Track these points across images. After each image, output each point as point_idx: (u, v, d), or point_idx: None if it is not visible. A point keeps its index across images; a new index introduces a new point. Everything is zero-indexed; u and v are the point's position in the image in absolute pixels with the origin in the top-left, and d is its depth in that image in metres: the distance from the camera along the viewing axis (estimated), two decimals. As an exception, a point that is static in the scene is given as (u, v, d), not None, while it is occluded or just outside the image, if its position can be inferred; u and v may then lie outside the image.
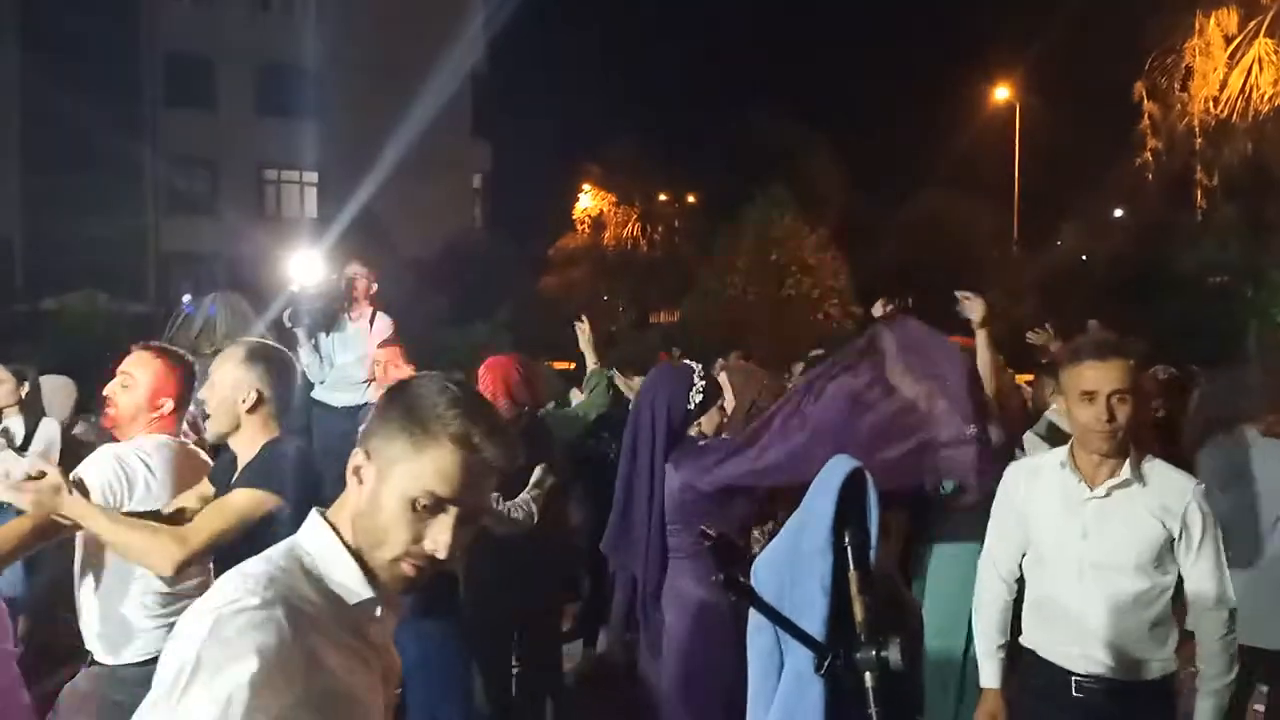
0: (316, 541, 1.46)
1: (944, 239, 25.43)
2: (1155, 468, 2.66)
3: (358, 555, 1.44)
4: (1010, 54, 25.81)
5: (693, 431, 3.31)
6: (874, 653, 1.56)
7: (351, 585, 1.43)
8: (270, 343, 2.91)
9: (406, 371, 4.75)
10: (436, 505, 1.41)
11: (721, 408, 3.39)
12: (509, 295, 20.94)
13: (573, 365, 9.88)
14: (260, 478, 2.55)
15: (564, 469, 5.35)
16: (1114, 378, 2.55)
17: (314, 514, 1.50)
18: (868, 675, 1.56)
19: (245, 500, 2.51)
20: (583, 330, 5.39)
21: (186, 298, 20.92)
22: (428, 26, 25.59)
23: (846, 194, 29.83)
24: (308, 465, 2.64)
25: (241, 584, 1.34)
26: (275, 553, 1.44)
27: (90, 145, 24.26)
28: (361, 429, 1.50)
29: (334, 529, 1.46)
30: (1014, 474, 2.86)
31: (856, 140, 29.94)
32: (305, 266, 6.80)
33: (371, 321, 6.63)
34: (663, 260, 32.43)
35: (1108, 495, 2.62)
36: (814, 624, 1.54)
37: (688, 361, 3.65)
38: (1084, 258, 23.79)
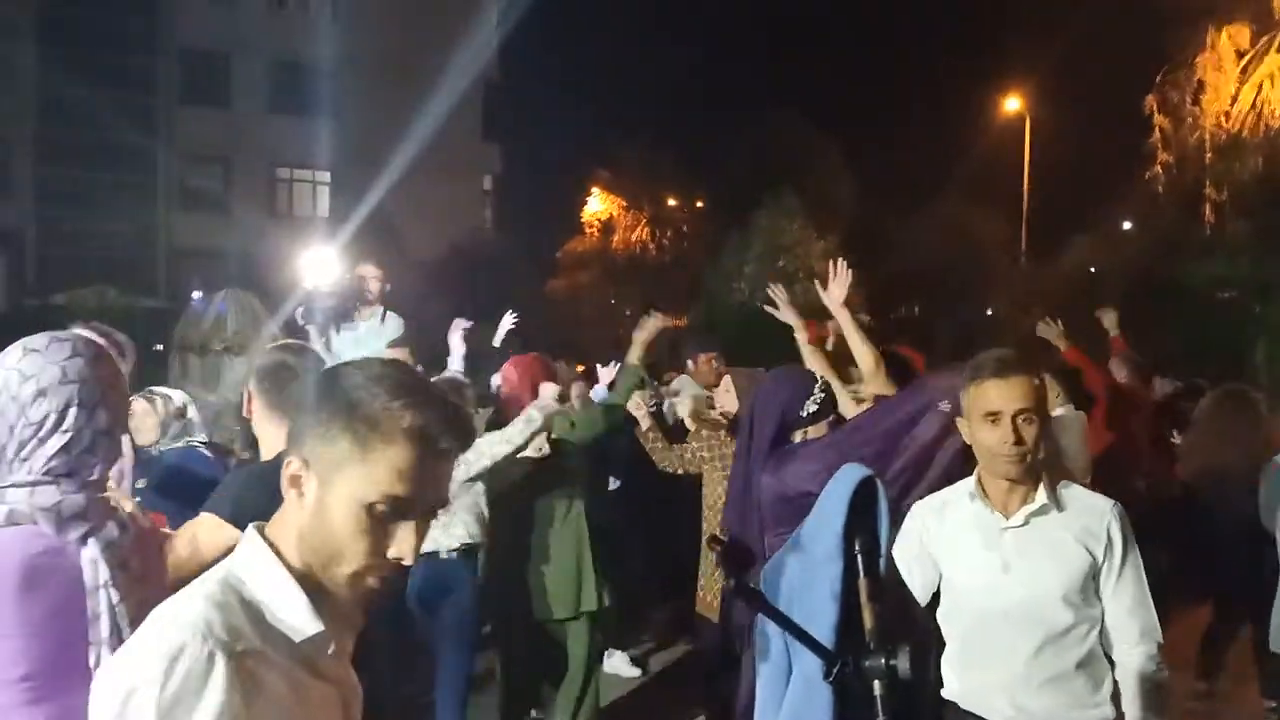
0: (256, 569, 1.27)
1: (952, 249, 25.43)
2: (1071, 492, 2.50)
3: (306, 577, 1.27)
4: (1022, 65, 25.84)
5: (796, 438, 3.21)
6: (883, 661, 1.57)
7: (298, 623, 1.26)
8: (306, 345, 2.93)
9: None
10: (396, 509, 1.25)
11: (833, 421, 3.28)
12: (518, 297, 20.99)
13: (581, 368, 9.91)
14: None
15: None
16: (1018, 395, 2.36)
17: (251, 533, 1.32)
18: (876, 683, 1.58)
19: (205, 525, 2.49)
20: (648, 325, 5.07)
21: (196, 294, 21.02)
22: (441, 27, 25.67)
23: (856, 202, 29.84)
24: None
25: (176, 635, 1.17)
26: (210, 586, 1.26)
27: (104, 140, 24.40)
28: (288, 430, 1.32)
29: (275, 551, 1.28)
30: (919, 511, 2.63)
31: (866, 148, 29.98)
32: (318, 265, 6.80)
33: (383, 321, 6.67)
34: (671, 265, 32.45)
35: (1026, 523, 2.43)
36: (823, 630, 1.57)
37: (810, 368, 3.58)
38: (1092, 270, 23.76)
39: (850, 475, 1.67)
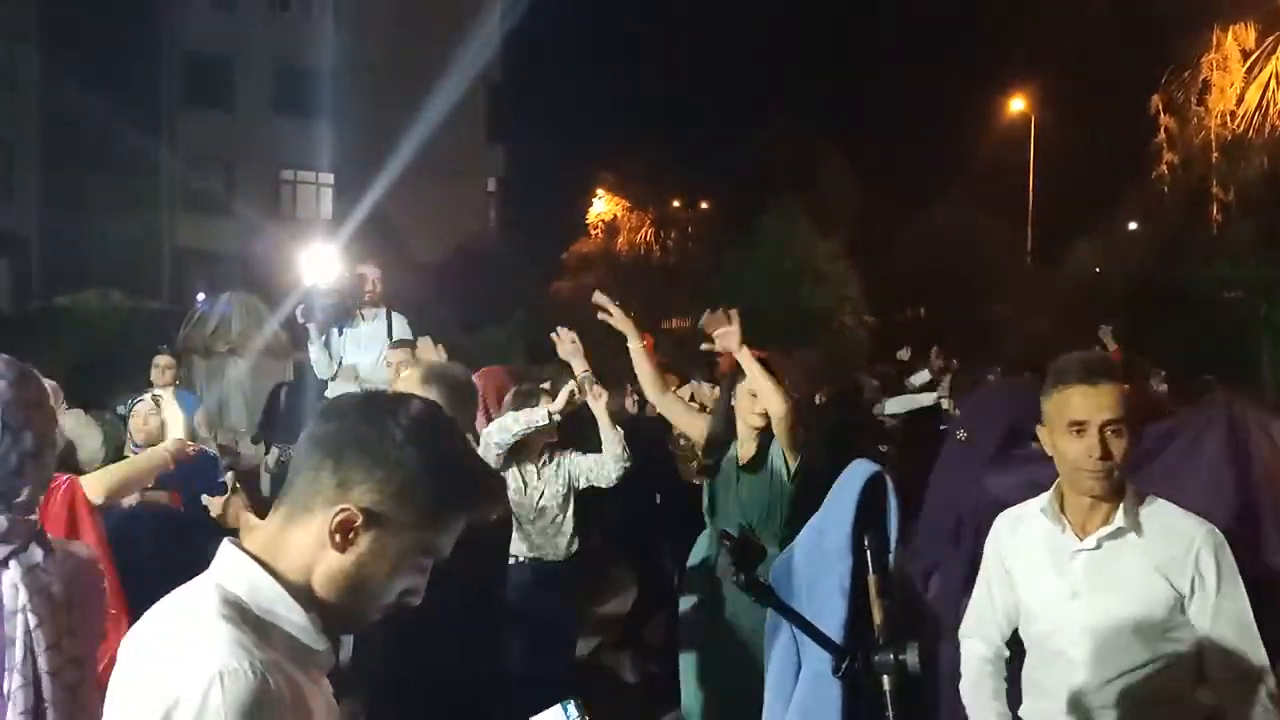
0: (255, 587, 1.28)
1: (956, 250, 25.38)
2: (1157, 512, 2.22)
3: (303, 596, 1.29)
4: (1026, 65, 25.74)
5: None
6: (892, 656, 1.56)
7: (306, 640, 1.30)
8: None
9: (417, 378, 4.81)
10: (432, 561, 1.36)
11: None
12: (522, 299, 20.98)
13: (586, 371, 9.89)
14: None
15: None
16: (1107, 404, 2.13)
17: (231, 548, 1.32)
18: (885, 678, 1.57)
19: None
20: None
21: (200, 296, 21.05)
22: (444, 29, 25.70)
23: (860, 203, 29.81)
24: None
25: (208, 654, 1.19)
26: (213, 603, 1.26)
27: (108, 144, 24.44)
28: (336, 477, 1.29)
29: (267, 568, 1.29)
30: (999, 524, 2.41)
31: (871, 148, 29.88)
32: (319, 264, 6.78)
33: (388, 322, 6.65)
34: (676, 266, 32.46)
35: (1098, 547, 2.19)
36: (833, 626, 1.55)
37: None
38: (1098, 271, 23.72)
39: (860, 471, 1.65)
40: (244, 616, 1.25)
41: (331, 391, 6.65)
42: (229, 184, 28.78)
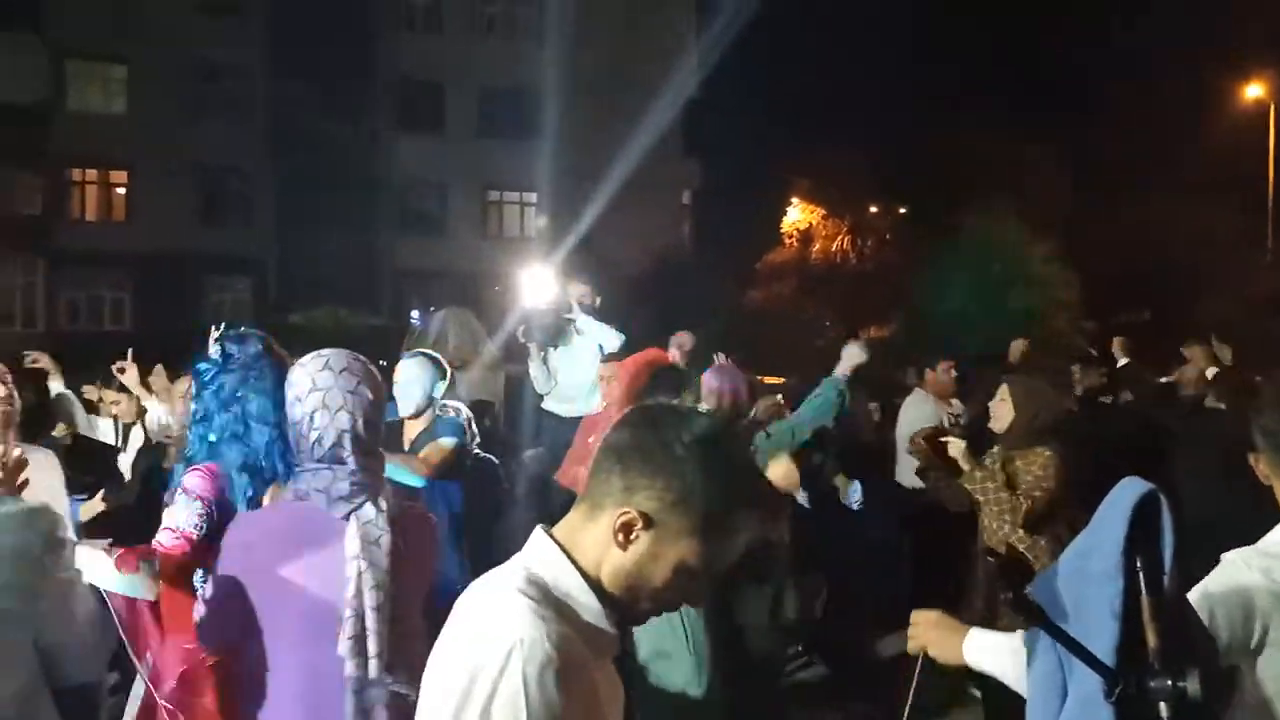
0: (558, 574, 1.42)
1: (1181, 247, 23.65)
2: None
3: (599, 590, 1.42)
4: (1265, 48, 23.70)
5: None
6: (1170, 682, 1.50)
7: (598, 624, 1.42)
8: None
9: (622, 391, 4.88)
10: (709, 573, 1.44)
11: None
12: (716, 310, 21.09)
13: (781, 380, 9.85)
14: None
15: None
16: None
17: (543, 536, 1.47)
18: (1163, 705, 1.51)
19: None
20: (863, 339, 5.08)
21: (415, 312, 22.21)
22: (642, 47, 26.22)
23: (1074, 201, 28.21)
24: None
25: (512, 625, 1.34)
26: (520, 583, 1.41)
27: (333, 168, 26.25)
28: (623, 481, 1.42)
29: (570, 558, 1.43)
30: (1240, 562, 1.98)
31: (1085, 142, 28.24)
32: (536, 284, 7.11)
33: (598, 337, 6.86)
34: (872, 273, 31.76)
35: None
36: (1103, 649, 1.50)
37: None
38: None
39: (1132, 489, 1.59)
40: (544, 595, 1.39)
41: (547, 405, 6.95)
42: (441, 204, 30.32)
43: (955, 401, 6.47)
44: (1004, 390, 4.05)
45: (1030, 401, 3.87)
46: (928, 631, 2.03)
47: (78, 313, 27.76)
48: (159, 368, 6.41)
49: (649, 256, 25.99)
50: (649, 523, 1.39)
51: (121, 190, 28.98)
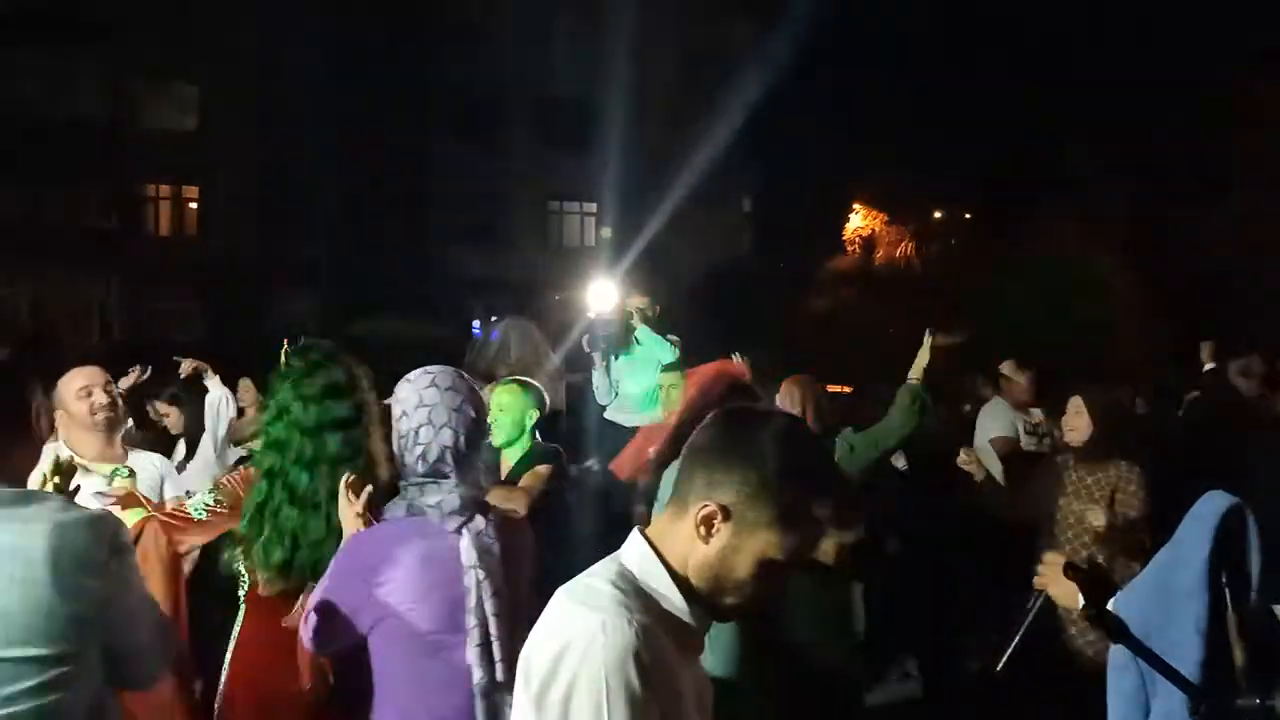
0: (648, 569, 1.51)
1: (1258, 250, 22.92)
2: None
3: (684, 585, 1.50)
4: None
5: None
6: (1258, 700, 1.46)
7: (684, 618, 1.49)
8: None
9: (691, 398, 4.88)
10: (789, 566, 1.49)
11: None
12: (778, 317, 21.00)
13: (846, 388, 9.75)
14: None
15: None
16: None
17: (639, 537, 1.55)
18: (1250, 724, 1.47)
19: None
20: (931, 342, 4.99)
21: (475, 323, 22.39)
22: (705, 57, 26.21)
23: (1137, 202, 27.50)
24: None
25: (600, 609, 1.43)
26: (612, 574, 1.51)
27: (396, 180, 26.59)
28: (705, 477, 1.49)
29: (660, 555, 1.51)
30: None
31: (1156, 144, 27.47)
32: (599, 295, 7.19)
33: (655, 348, 6.89)
34: (936, 280, 31.34)
35: None
36: (1187, 667, 1.47)
37: None
38: None
39: (1216, 502, 1.55)
40: (633, 589, 1.48)
41: (609, 415, 7.01)
42: (502, 215, 30.59)
43: (1035, 410, 6.31)
44: (1077, 403, 3.96)
45: (1108, 414, 3.79)
46: (1053, 572, 2.02)
47: (150, 325, 28.52)
48: (246, 381, 6.63)
49: (710, 265, 25.96)
50: (728, 515, 1.45)
51: (194, 205, 29.74)
